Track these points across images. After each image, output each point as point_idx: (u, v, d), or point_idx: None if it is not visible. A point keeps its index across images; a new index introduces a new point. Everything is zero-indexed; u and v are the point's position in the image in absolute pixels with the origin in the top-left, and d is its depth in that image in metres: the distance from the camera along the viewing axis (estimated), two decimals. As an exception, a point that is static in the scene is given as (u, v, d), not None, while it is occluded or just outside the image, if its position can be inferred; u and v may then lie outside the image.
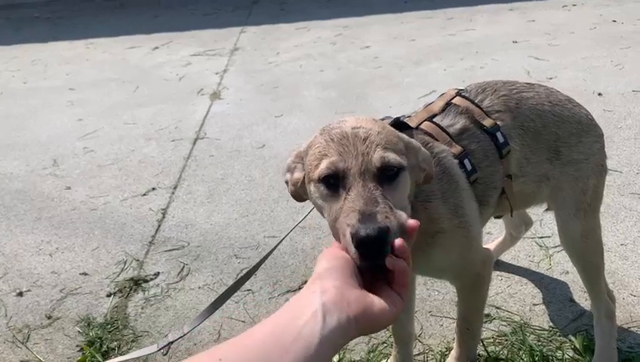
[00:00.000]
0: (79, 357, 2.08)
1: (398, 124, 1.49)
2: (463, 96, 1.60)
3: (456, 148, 1.48)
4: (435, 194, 1.41)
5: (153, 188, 3.24)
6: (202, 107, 4.36)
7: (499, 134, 1.54)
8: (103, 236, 2.84)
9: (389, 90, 4.31)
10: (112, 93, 4.84)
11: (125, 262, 2.61)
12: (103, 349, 2.11)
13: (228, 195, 3.11)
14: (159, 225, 2.88)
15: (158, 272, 2.53)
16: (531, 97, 1.64)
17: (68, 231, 2.91)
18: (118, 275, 2.53)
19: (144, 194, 3.19)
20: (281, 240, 1.82)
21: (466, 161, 1.48)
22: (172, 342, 1.72)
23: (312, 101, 4.28)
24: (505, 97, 1.61)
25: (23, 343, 2.19)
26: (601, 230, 1.80)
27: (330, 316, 0.92)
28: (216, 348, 0.92)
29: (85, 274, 2.56)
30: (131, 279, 2.48)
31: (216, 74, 5.12)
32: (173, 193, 3.18)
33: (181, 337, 1.70)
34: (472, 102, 1.59)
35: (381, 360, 1.94)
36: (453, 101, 1.59)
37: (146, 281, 2.48)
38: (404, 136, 1.31)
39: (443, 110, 1.58)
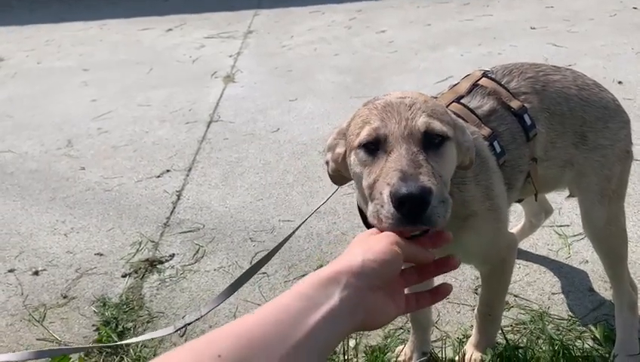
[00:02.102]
0: (96, 337, 2.09)
1: None
2: (490, 78, 1.57)
3: (486, 130, 1.45)
4: (468, 176, 1.38)
5: (167, 170, 3.23)
6: (216, 90, 4.33)
7: (526, 116, 1.51)
8: (117, 217, 2.84)
9: (405, 74, 4.26)
10: (125, 75, 4.82)
11: (140, 243, 2.60)
12: (119, 329, 2.12)
13: (242, 179, 3.09)
14: (174, 207, 2.87)
15: (174, 254, 2.52)
16: (558, 80, 1.61)
17: (83, 212, 2.91)
18: (133, 256, 2.53)
19: (159, 176, 3.18)
20: (300, 225, 1.80)
21: (495, 143, 1.45)
22: (189, 324, 1.72)
23: (327, 85, 4.24)
24: (532, 79, 1.58)
25: (39, 321, 2.20)
26: (625, 220, 1.77)
27: (341, 320, 0.89)
28: (214, 336, 0.85)
29: (100, 254, 2.57)
30: (147, 260, 2.48)
31: (230, 57, 5.08)
32: (187, 175, 3.17)
33: (198, 319, 1.70)
34: (499, 83, 1.55)
35: (398, 345, 1.93)
36: (479, 82, 1.56)
37: (162, 262, 2.48)
38: (451, 112, 1.29)
39: (470, 91, 1.55)
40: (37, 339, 2.12)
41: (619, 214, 1.73)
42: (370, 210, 1.10)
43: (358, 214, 1.47)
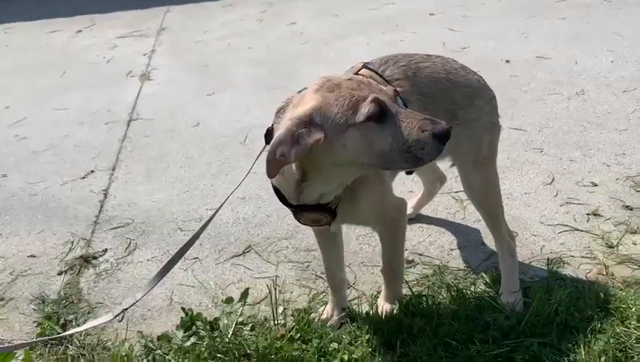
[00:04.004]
0: (38, 331, 2.20)
1: None
2: (368, 68, 1.83)
3: None
4: None
5: (92, 171, 3.31)
6: (133, 89, 4.40)
7: (398, 99, 1.77)
8: (46, 219, 2.91)
9: (317, 65, 4.50)
10: (37, 79, 4.77)
11: (72, 242, 2.71)
12: (61, 322, 2.24)
13: (167, 173, 3.24)
14: (102, 206, 2.98)
15: (106, 249, 2.65)
16: (428, 66, 1.89)
17: (9, 217, 2.96)
18: (66, 255, 2.63)
19: (83, 177, 3.26)
20: (221, 206, 1.99)
21: None
22: (126, 309, 1.89)
23: (243, 78, 4.41)
24: (404, 67, 1.85)
25: (-22, 324, 2.28)
26: (499, 180, 2.10)
27: None
28: None
29: (33, 256, 2.65)
30: (81, 257, 2.60)
31: (144, 55, 5.13)
32: (112, 174, 3.27)
33: (134, 304, 1.88)
34: (376, 72, 1.81)
35: (321, 306, 2.18)
36: (360, 72, 1.81)
37: (95, 258, 2.60)
38: None
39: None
40: (-22, 340, 2.21)
41: (492, 176, 2.05)
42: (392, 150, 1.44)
43: (275, 193, 1.69)
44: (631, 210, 2.62)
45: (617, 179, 2.84)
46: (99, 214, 2.91)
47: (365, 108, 1.41)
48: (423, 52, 2.00)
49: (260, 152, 1.90)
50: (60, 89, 4.52)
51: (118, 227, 2.79)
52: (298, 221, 1.76)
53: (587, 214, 2.61)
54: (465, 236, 2.54)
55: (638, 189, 2.74)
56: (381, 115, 1.43)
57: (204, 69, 4.69)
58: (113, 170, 3.31)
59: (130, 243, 2.67)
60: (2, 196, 3.15)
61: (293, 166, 1.54)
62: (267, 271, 2.44)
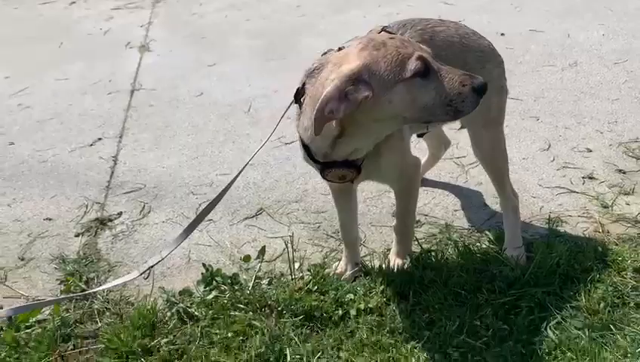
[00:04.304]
0: (62, 288, 2.28)
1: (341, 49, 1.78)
2: (387, 31, 1.91)
3: None
4: None
5: (99, 139, 3.36)
6: (133, 60, 4.41)
7: None
8: (58, 185, 2.97)
9: (315, 37, 4.53)
10: (36, 51, 4.74)
11: (87, 206, 2.77)
12: (84, 279, 2.32)
13: (174, 141, 3.30)
14: (112, 172, 3.04)
15: (121, 212, 2.72)
16: (442, 30, 1.98)
17: (21, 183, 3.01)
18: (82, 218, 2.70)
19: (91, 145, 3.31)
20: (240, 171, 2.08)
21: None
22: (152, 266, 1.99)
23: (242, 50, 4.44)
24: (421, 31, 1.94)
25: (1, 283, 2.35)
26: (506, 143, 2.22)
27: None
28: None
29: (49, 219, 2.71)
30: (96, 219, 2.67)
31: (141, 27, 5.11)
32: (120, 142, 3.32)
33: (160, 261, 1.97)
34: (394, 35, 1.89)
35: (334, 263, 2.29)
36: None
37: (111, 220, 2.67)
38: None
39: None
40: (4, 297, 2.28)
41: (499, 137, 2.17)
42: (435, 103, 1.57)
43: (303, 150, 1.77)
44: (624, 173, 2.76)
45: (610, 145, 2.98)
46: (110, 179, 2.98)
47: (412, 65, 1.51)
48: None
49: (283, 114, 1.99)
50: (59, 60, 4.51)
51: (130, 191, 2.86)
52: (324, 178, 1.85)
53: (583, 177, 2.75)
54: (467, 198, 2.66)
55: (630, 154, 2.89)
56: (425, 71, 1.54)
57: (202, 40, 4.70)
58: (120, 137, 3.36)
59: (144, 206, 2.75)
60: (12, 163, 3.19)
61: (333, 122, 1.61)
62: (280, 231, 2.54)
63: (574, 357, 1.76)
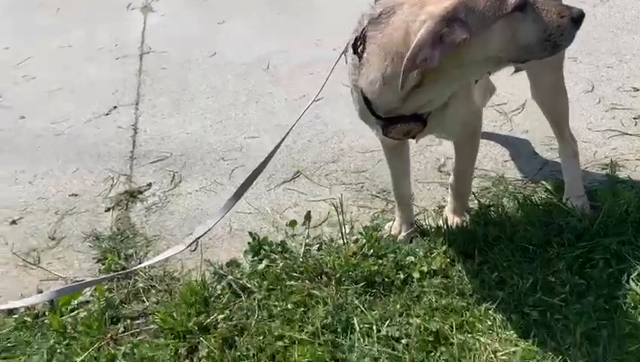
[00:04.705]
0: (101, 267, 2.16)
1: None
2: None
3: None
4: None
5: (115, 107, 3.18)
6: (137, 22, 4.17)
7: None
8: (78, 158, 2.81)
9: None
10: (32, 17, 4.48)
11: (113, 179, 2.63)
12: (122, 256, 2.20)
13: (194, 104, 3.13)
14: (134, 141, 2.89)
15: (150, 183, 2.58)
16: None
17: (39, 158, 2.85)
18: (109, 191, 2.56)
19: (107, 114, 3.14)
20: (285, 136, 1.94)
21: None
22: (199, 237, 1.86)
23: (251, 5, 4.21)
24: None
25: (35, 265, 2.23)
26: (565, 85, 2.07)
27: None
28: None
29: (75, 195, 2.57)
30: (125, 192, 2.53)
31: (141, -14, 4.85)
32: (137, 109, 3.15)
33: (207, 231, 1.84)
34: None
35: (386, 224, 2.17)
36: None
37: (141, 193, 2.54)
38: None
39: None
40: (41, 280, 2.16)
41: (560, 79, 2.02)
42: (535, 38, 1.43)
43: (364, 105, 1.62)
44: (676, 111, 2.62)
45: (658, 82, 2.82)
46: (133, 149, 2.82)
47: (512, 1, 1.36)
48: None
49: (333, 66, 1.84)
50: (58, 26, 4.26)
51: (157, 160, 2.71)
52: (386, 135, 1.69)
53: (634, 118, 2.61)
54: (515, 147, 2.53)
55: (680, 92, 2.74)
56: (524, 4, 1.39)
57: (206, -2, 4.46)
58: (137, 104, 3.18)
59: (174, 175, 2.60)
60: (25, 138, 3.02)
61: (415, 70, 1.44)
62: (321, 194, 2.41)
63: (663, 309, 1.66)
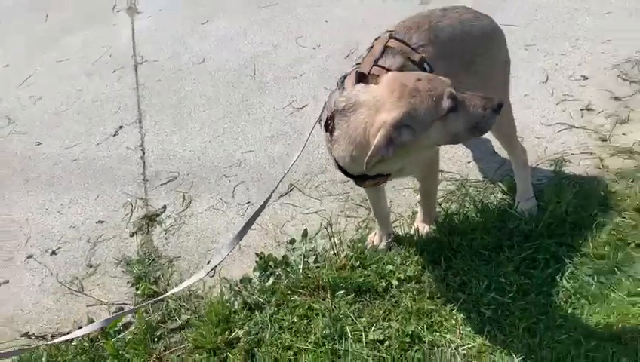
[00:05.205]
0: (135, 291, 2.59)
1: (360, 76, 1.95)
2: (396, 39, 2.04)
3: None
4: None
5: (121, 127, 3.52)
6: (125, 26, 4.40)
7: (425, 65, 2.02)
8: (97, 184, 3.19)
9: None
10: (23, 27, 4.70)
11: (131, 203, 3.02)
12: (151, 280, 2.63)
13: (192, 119, 3.46)
14: (144, 162, 3.25)
15: (165, 205, 2.97)
16: (445, 25, 2.10)
17: (62, 186, 3.23)
18: (130, 216, 2.96)
19: (115, 135, 3.48)
20: (289, 168, 2.32)
21: None
22: (216, 266, 2.28)
23: (232, 1, 4.41)
24: (426, 32, 2.06)
25: (80, 292, 2.66)
26: (512, 109, 2.41)
27: None
28: None
29: (101, 221, 2.97)
30: (145, 216, 2.93)
31: (122, -17, 5.00)
32: (141, 128, 3.48)
33: (222, 261, 2.25)
34: (403, 42, 2.03)
35: (368, 233, 2.59)
36: (389, 44, 2.02)
37: (158, 215, 2.93)
38: None
39: (382, 53, 2.02)
40: (87, 306, 2.61)
41: (507, 105, 2.35)
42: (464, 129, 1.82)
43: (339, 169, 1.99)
44: (619, 100, 2.96)
45: (605, 68, 3.15)
46: (144, 171, 3.19)
47: (445, 104, 1.74)
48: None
49: (308, 137, 2.19)
50: (51, 36, 4.50)
51: (167, 182, 3.09)
52: (360, 186, 2.08)
53: (581, 110, 2.96)
54: (478, 148, 2.88)
55: (624, 78, 3.07)
56: (455, 105, 1.74)
57: (188, -7, 4.64)
58: (140, 122, 3.52)
59: (184, 196, 2.99)
60: (45, 165, 3.38)
61: None
62: (313, 205, 2.81)
63: (587, 303, 2.11)
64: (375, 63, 1.99)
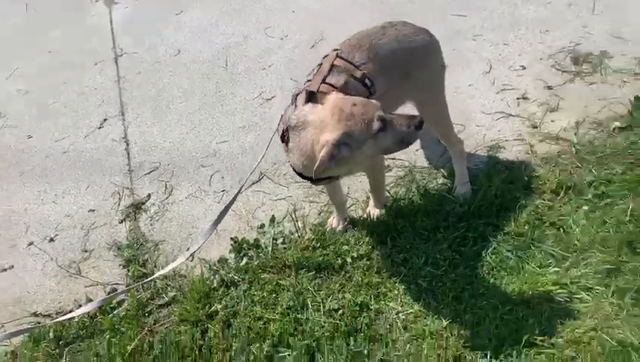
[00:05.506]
0: (127, 272, 2.97)
1: (310, 94, 2.29)
2: (341, 57, 2.37)
3: None
4: None
5: (105, 120, 3.82)
6: (104, 17, 4.62)
7: (367, 80, 2.36)
8: (87, 175, 3.52)
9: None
10: (6, 19, 4.88)
11: (119, 193, 3.37)
12: (140, 262, 3.01)
13: (170, 111, 3.78)
14: (128, 153, 3.58)
15: (149, 194, 3.33)
16: (384, 43, 2.44)
17: (55, 178, 3.55)
18: (118, 205, 3.32)
19: (100, 127, 3.79)
20: (256, 166, 2.67)
21: None
22: (194, 252, 2.66)
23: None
24: (367, 50, 2.40)
25: (79, 275, 3.04)
26: (448, 109, 2.76)
27: None
28: None
29: (92, 210, 3.33)
30: (132, 205, 3.29)
31: (97, -30, 5.18)
32: (124, 120, 3.79)
33: (199, 247, 2.64)
34: (348, 60, 2.37)
35: (328, 217, 2.98)
36: (335, 63, 2.36)
37: (143, 203, 3.29)
38: None
39: (330, 71, 2.35)
40: (85, 286, 2.99)
41: (442, 108, 2.73)
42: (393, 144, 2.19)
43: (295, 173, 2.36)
44: (551, 89, 3.33)
45: (541, 58, 3.50)
46: (129, 162, 3.53)
47: (375, 125, 2.09)
48: None
49: (267, 148, 2.54)
50: (33, 28, 4.69)
51: (150, 172, 3.43)
52: (314, 185, 2.47)
53: (517, 99, 3.33)
54: (425, 136, 3.24)
55: (557, 68, 3.43)
56: (384, 126, 2.10)
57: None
58: (123, 115, 3.82)
59: (166, 185, 3.34)
60: (38, 157, 3.69)
61: None
62: (281, 193, 3.18)
63: (506, 274, 2.53)
64: (323, 81, 2.33)
